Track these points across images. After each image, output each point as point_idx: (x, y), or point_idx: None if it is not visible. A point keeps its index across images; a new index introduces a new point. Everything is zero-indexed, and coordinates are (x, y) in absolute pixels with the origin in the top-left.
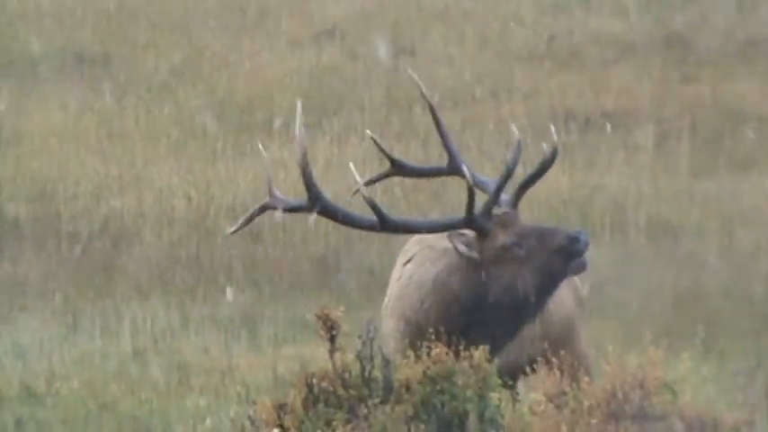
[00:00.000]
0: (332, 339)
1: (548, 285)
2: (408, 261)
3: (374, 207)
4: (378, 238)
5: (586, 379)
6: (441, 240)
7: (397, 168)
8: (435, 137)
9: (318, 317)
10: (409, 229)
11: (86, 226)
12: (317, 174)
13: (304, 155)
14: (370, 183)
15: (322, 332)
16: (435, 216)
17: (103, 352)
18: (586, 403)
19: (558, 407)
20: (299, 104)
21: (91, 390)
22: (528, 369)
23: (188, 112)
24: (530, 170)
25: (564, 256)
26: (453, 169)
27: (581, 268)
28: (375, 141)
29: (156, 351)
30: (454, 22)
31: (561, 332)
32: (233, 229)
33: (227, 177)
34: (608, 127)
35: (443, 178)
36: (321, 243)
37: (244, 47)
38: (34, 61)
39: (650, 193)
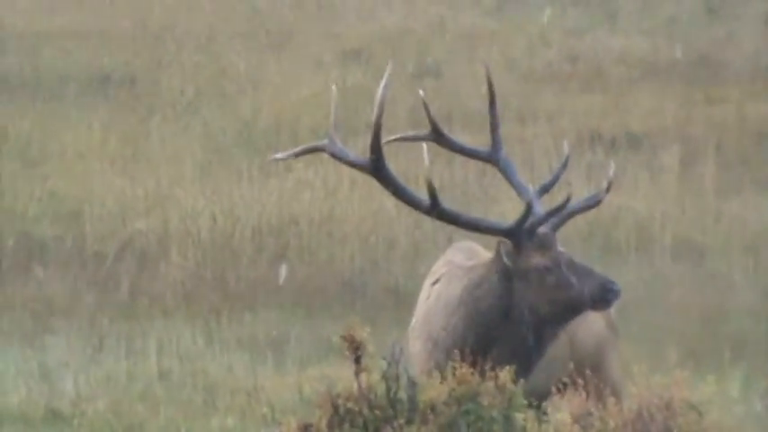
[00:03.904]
0: (357, 360)
1: (565, 317)
2: (436, 281)
3: (431, 188)
4: (404, 259)
5: (612, 399)
6: (468, 261)
7: (436, 136)
8: (459, 158)
9: (344, 337)
10: (456, 220)
11: (112, 246)
12: (343, 196)
13: (379, 116)
14: (401, 139)
15: (347, 353)
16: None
17: (129, 372)
18: (612, 424)
19: (583, 428)
20: (389, 65)
21: (117, 411)
22: (555, 390)
23: (213, 132)
24: (557, 193)
25: (591, 300)
26: (492, 157)
27: (605, 308)
28: (424, 104)
29: (181, 371)
30: (479, 42)
31: (591, 355)
32: (280, 155)
33: (253, 198)
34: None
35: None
36: (347, 263)
37: (269, 67)
38: (60, 82)
39: (675, 214)
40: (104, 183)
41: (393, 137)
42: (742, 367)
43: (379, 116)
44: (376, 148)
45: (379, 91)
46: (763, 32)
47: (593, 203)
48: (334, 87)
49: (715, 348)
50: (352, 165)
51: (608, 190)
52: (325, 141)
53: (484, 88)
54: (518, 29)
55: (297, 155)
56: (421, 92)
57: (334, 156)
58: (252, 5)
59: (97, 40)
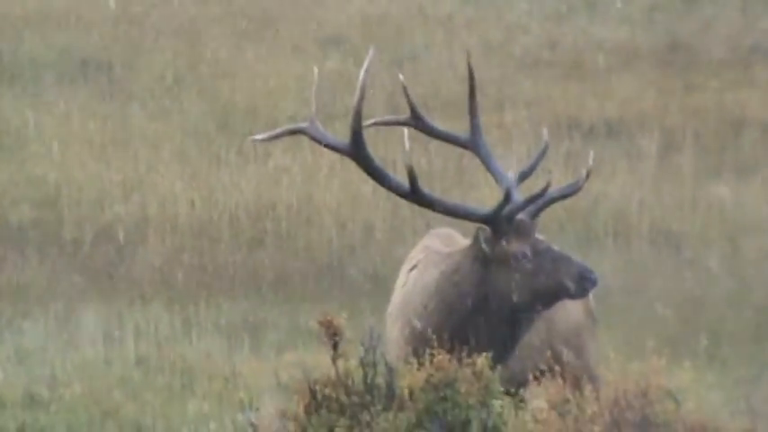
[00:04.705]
0: (335, 346)
1: (542, 304)
2: (413, 268)
3: (411, 173)
4: (381, 245)
5: (590, 387)
6: (446, 247)
7: (416, 120)
8: (437, 144)
9: (321, 323)
10: (434, 205)
11: (89, 232)
12: (321, 182)
13: (360, 99)
14: (379, 124)
15: (325, 339)
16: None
17: (106, 358)
18: (589, 411)
19: (560, 414)
20: (371, 50)
21: (94, 396)
22: (533, 378)
23: (192, 118)
24: (535, 180)
25: (568, 288)
26: (472, 143)
27: (582, 296)
28: (404, 88)
29: (159, 357)
30: (458, 29)
31: (568, 343)
32: (260, 137)
33: (231, 183)
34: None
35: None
36: (325, 249)
37: (248, 53)
38: (38, 67)
39: (653, 201)
40: (82, 168)
41: (372, 120)
42: (719, 355)
43: (360, 99)
44: (356, 131)
45: (361, 74)
46: (741, 20)
47: (573, 191)
48: (315, 69)
49: (692, 336)
50: (333, 148)
51: (587, 178)
52: (306, 124)
53: (462, 74)
54: (497, 15)
55: (276, 136)
56: (401, 76)
57: (314, 138)
58: None
59: (75, 26)
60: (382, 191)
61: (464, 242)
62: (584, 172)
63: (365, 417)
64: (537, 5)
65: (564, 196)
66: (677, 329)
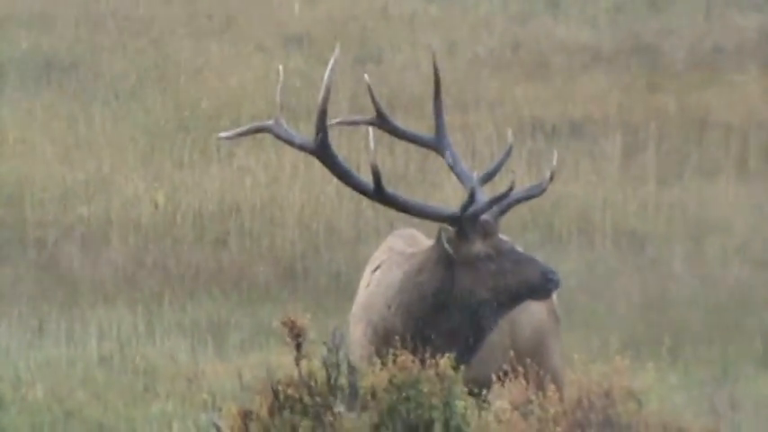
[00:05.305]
0: (298, 346)
1: (505, 305)
2: (377, 268)
3: (375, 172)
4: (345, 246)
5: (553, 387)
6: (409, 248)
7: (381, 121)
8: (401, 144)
9: (284, 324)
10: (399, 205)
11: (53, 232)
12: (285, 182)
13: (325, 98)
14: (344, 123)
15: (288, 339)
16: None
17: (69, 358)
18: (552, 411)
19: (523, 415)
20: (337, 49)
21: (57, 396)
22: (496, 378)
23: (155, 118)
24: (499, 181)
25: (531, 288)
26: (436, 143)
27: (545, 297)
28: (369, 88)
29: (122, 357)
30: (422, 29)
31: (531, 344)
32: (225, 134)
33: (194, 184)
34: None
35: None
36: (288, 249)
37: (211, 53)
38: (1, 66)
39: (617, 202)
40: (46, 168)
41: (338, 120)
42: (682, 355)
43: (326, 98)
44: (321, 129)
45: (327, 72)
46: (704, 22)
47: (537, 193)
48: (281, 67)
49: (655, 336)
50: (298, 146)
51: (551, 179)
52: (271, 122)
53: (426, 74)
54: (461, 15)
55: (242, 134)
56: (366, 76)
57: (279, 137)
58: None
59: (39, 25)
60: (346, 191)
61: (427, 243)
62: (548, 174)
63: (328, 417)
64: (500, 6)
65: (528, 197)
66: (640, 330)
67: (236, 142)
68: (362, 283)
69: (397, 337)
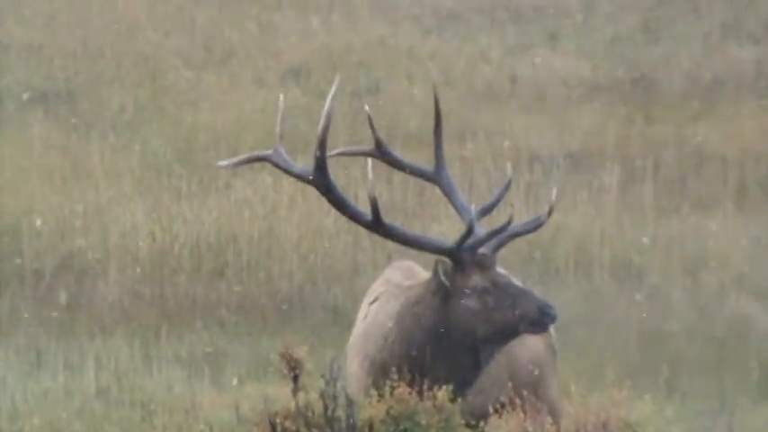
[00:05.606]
0: (295, 378)
1: (502, 338)
2: (374, 300)
3: (374, 203)
4: (342, 278)
5: (550, 419)
6: (406, 280)
7: (380, 152)
8: (400, 176)
9: (282, 356)
10: (397, 236)
11: (50, 263)
12: (282, 214)
13: (326, 126)
14: (344, 154)
15: (285, 371)
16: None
17: (67, 389)
18: None
19: None
20: (337, 78)
21: (54, 427)
22: (493, 411)
23: (153, 149)
24: (497, 214)
25: (528, 322)
26: (435, 176)
27: (541, 331)
28: (369, 118)
29: (119, 388)
30: (419, 61)
31: (529, 376)
32: (224, 163)
33: (192, 216)
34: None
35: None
36: (286, 281)
37: (209, 85)
38: None
39: (614, 234)
40: (43, 199)
41: (337, 150)
42: (679, 387)
43: (326, 127)
44: (321, 159)
45: (327, 101)
46: (702, 53)
47: (535, 227)
48: (281, 97)
49: (652, 368)
50: (297, 176)
51: (550, 214)
52: (270, 152)
53: (423, 106)
54: (458, 47)
55: (241, 163)
56: (366, 107)
57: (278, 166)
58: (192, 23)
59: (37, 57)
60: (343, 224)
61: (425, 275)
62: (546, 208)
63: None
64: (498, 38)
65: (526, 231)
66: (637, 362)
67: (234, 174)
68: (360, 315)
69: (394, 369)
